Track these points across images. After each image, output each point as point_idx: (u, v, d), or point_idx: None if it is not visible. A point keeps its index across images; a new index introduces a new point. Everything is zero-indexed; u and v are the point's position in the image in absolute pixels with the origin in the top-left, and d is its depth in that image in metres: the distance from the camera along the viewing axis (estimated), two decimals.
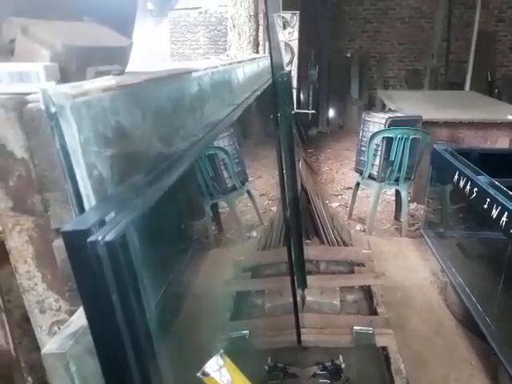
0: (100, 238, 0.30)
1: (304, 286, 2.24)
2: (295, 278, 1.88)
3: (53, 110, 0.33)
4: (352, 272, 2.45)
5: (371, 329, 2.00)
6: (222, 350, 0.32)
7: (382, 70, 7.00)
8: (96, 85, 0.40)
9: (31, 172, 0.42)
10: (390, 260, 2.88)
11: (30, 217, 0.44)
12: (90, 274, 0.31)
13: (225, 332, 2.02)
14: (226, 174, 3.10)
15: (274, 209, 3.67)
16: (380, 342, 1.95)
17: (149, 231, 0.44)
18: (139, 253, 0.38)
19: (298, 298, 2.03)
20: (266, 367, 1.92)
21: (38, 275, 0.47)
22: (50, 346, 0.40)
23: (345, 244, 2.76)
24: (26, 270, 0.47)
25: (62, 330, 0.41)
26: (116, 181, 0.42)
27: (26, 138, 0.41)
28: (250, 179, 3.52)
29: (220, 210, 3.42)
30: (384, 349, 1.95)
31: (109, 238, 0.30)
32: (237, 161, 3.21)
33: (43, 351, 0.39)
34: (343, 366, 1.93)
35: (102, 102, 0.41)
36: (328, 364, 1.96)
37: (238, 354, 1.95)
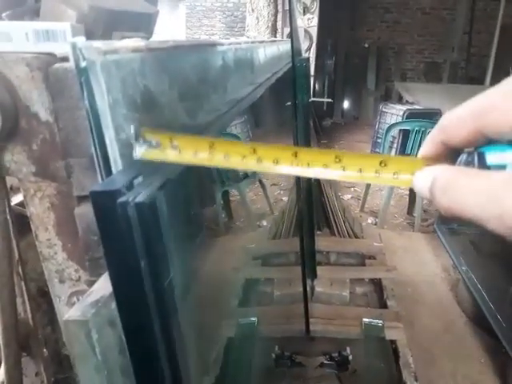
0: (130, 199, 0.28)
1: (314, 276, 2.23)
2: (305, 267, 1.86)
3: (83, 64, 0.31)
4: (363, 264, 2.43)
5: (381, 321, 1.98)
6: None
7: (400, 61, 6.88)
8: (126, 44, 0.38)
9: (55, 136, 0.41)
10: (401, 254, 2.85)
11: (53, 183, 0.43)
12: (118, 237, 0.29)
13: (233, 317, 2.02)
14: None
15: (285, 199, 3.65)
16: (389, 335, 1.94)
17: (174, 202, 0.42)
18: (166, 221, 0.37)
19: (308, 288, 2.02)
20: (273, 355, 1.92)
21: (58, 243, 0.45)
22: (71, 313, 0.38)
23: (356, 236, 2.73)
24: (47, 238, 0.46)
25: (83, 298, 0.40)
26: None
27: (52, 100, 0.40)
28: None
29: (231, 198, 3.41)
30: (393, 342, 1.94)
31: (139, 199, 0.28)
32: None
33: (65, 318, 0.38)
34: (350, 357, 1.92)
35: (131, 62, 0.40)
36: (335, 355, 1.95)
37: (245, 341, 1.94)
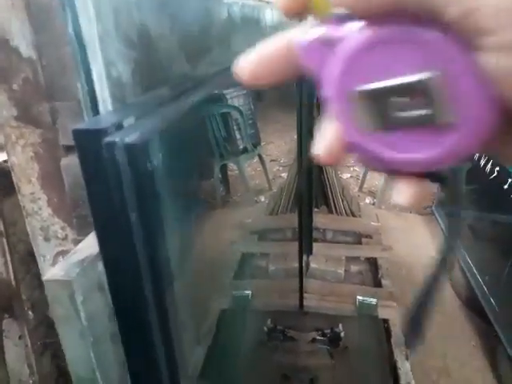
0: (118, 140, 0.24)
1: (309, 252, 2.21)
2: (303, 243, 1.84)
3: None
4: (359, 243, 2.41)
5: (375, 300, 1.97)
6: None
7: None
8: None
9: (39, 75, 0.36)
10: (397, 235, 2.83)
11: (36, 129, 0.39)
12: (105, 184, 0.25)
13: (227, 290, 2.02)
14: (238, 135, 3.01)
15: (284, 175, 3.61)
16: (383, 313, 1.93)
17: (171, 154, 0.38)
18: (161, 170, 0.32)
19: (303, 264, 2.00)
20: (266, 328, 1.93)
21: (43, 197, 0.41)
22: (54, 271, 0.35)
23: (353, 215, 2.71)
24: (30, 192, 0.42)
25: (68, 256, 0.36)
26: (138, 90, 0.36)
27: (34, 33, 0.35)
28: (262, 143, 3.44)
29: (229, 172, 3.37)
30: (385, 321, 1.94)
31: (130, 139, 0.24)
32: (250, 122, 3.12)
33: (46, 277, 0.34)
34: (343, 334, 1.93)
35: None
36: (327, 331, 1.95)
37: (239, 313, 1.94)
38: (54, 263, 0.44)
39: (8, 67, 0.36)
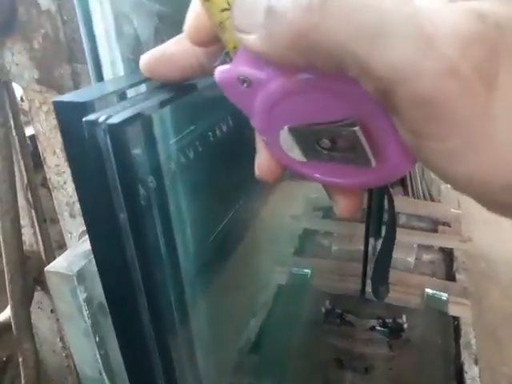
0: (102, 119, 0.18)
1: (378, 236, 2.08)
2: (370, 224, 1.73)
3: None
4: (435, 231, 2.23)
5: (446, 295, 1.82)
6: None
7: None
8: None
9: (59, 31, 0.31)
10: (479, 225, 2.58)
11: (60, 94, 0.34)
12: (87, 173, 0.20)
13: (286, 265, 2.00)
14: None
15: None
16: (453, 310, 1.78)
17: (199, 134, 0.31)
18: (186, 162, 0.26)
19: (369, 248, 1.90)
20: (323, 310, 1.88)
21: (67, 171, 0.38)
22: (57, 262, 0.30)
23: (432, 199, 2.51)
24: (55, 164, 0.38)
25: (76, 245, 0.31)
26: None
27: None
28: None
29: None
30: (455, 319, 1.79)
31: (117, 118, 0.18)
32: None
33: (47, 268, 0.30)
34: (405, 326, 1.82)
35: None
36: (389, 320, 1.86)
37: (297, 291, 1.91)
38: (79, 240, 0.41)
39: (27, 22, 0.32)
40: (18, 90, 0.44)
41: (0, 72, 0.35)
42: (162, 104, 0.21)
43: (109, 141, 0.18)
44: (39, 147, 0.38)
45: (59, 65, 0.33)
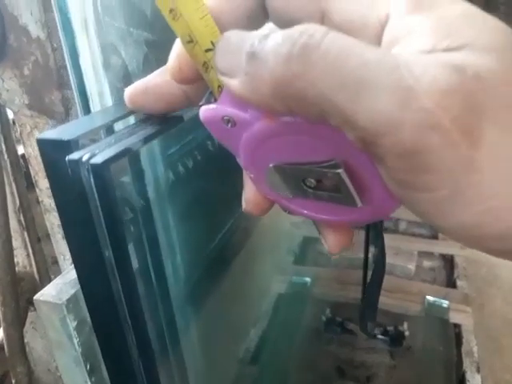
0: (86, 158, 0.18)
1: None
2: (369, 233, 1.73)
3: None
4: (435, 238, 2.22)
5: (446, 302, 1.81)
6: None
7: None
8: None
9: (49, 58, 0.32)
10: None
11: (50, 120, 0.35)
12: (72, 211, 0.20)
13: (286, 274, 1.99)
14: None
15: None
16: (454, 318, 1.77)
17: (197, 162, 0.31)
18: (174, 187, 0.26)
19: (369, 255, 1.89)
20: (324, 318, 1.87)
21: None
22: (46, 290, 0.30)
23: None
24: (47, 187, 0.38)
25: (66, 272, 0.31)
26: None
27: (43, 9, 0.30)
28: None
29: None
30: (457, 326, 1.78)
31: (100, 157, 0.18)
32: None
33: (36, 296, 0.30)
34: (407, 333, 1.81)
35: None
36: (390, 328, 1.85)
37: (297, 299, 1.90)
38: (72, 265, 0.41)
39: (18, 49, 0.32)
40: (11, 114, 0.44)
41: None
42: (148, 139, 0.21)
43: (92, 180, 0.18)
44: (31, 170, 0.38)
45: (49, 91, 0.33)
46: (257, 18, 0.21)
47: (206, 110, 0.20)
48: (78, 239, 0.21)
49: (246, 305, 1.36)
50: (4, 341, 0.46)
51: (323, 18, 0.19)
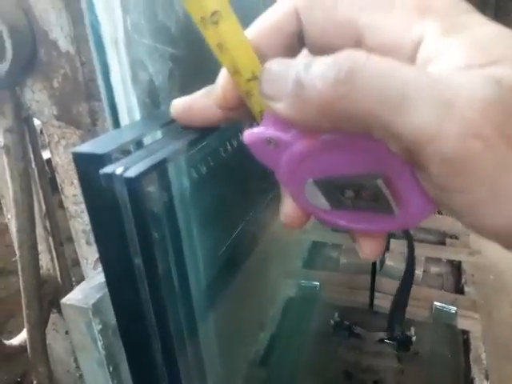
0: (119, 171, 0.19)
1: (386, 249, 2.08)
2: None
3: None
4: (442, 243, 2.21)
5: (454, 308, 1.81)
6: None
7: None
8: None
9: (78, 72, 0.33)
10: None
11: (77, 130, 0.36)
12: (105, 221, 0.21)
13: (295, 278, 1.99)
14: None
15: None
16: (462, 324, 1.76)
17: (212, 168, 0.32)
18: (192, 195, 0.27)
19: (377, 261, 1.89)
20: (332, 322, 1.87)
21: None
22: (72, 295, 0.32)
23: (439, 212, 2.49)
24: (73, 194, 0.40)
25: (91, 277, 0.33)
26: (176, 95, 0.31)
27: (72, 24, 0.31)
28: None
29: None
30: (465, 332, 1.77)
31: (133, 171, 0.19)
32: None
33: (63, 300, 0.31)
34: (414, 338, 1.80)
35: None
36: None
37: (306, 303, 1.91)
38: (95, 267, 0.42)
39: (48, 63, 0.34)
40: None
41: (21, 108, 0.37)
42: (179, 152, 0.22)
43: (126, 193, 0.20)
44: (57, 178, 0.39)
45: (77, 102, 0.35)
46: (293, 46, 0.22)
47: (250, 134, 0.22)
48: (110, 247, 0.22)
49: (256, 308, 1.37)
50: (27, 342, 0.48)
51: (358, 43, 0.21)
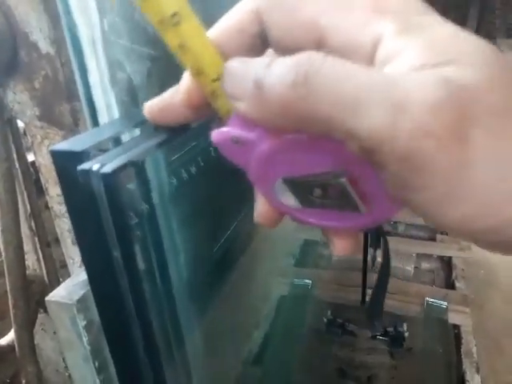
0: (96, 167, 0.20)
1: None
2: (368, 235, 1.75)
3: None
4: (433, 239, 2.24)
5: (445, 303, 1.83)
6: None
7: (508, 12, 5.97)
8: None
9: (58, 72, 0.34)
10: None
11: (60, 131, 0.37)
12: (83, 216, 0.21)
13: (288, 276, 2.01)
14: None
15: None
16: (453, 319, 1.79)
17: (202, 168, 0.33)
18: (177, 193, 0.28)
19: (368, 258, 1.91)
20: (325, 319, 1.88)
21: None
22: (56, 292, 0.32)
23: None
24: (57, 193, 0.40)
25: (76, 274, 0.33)
26: (155, 94, 0.31)
27: (52, 27, 0.32)
28: None
29: None
30: (456, 327, 1.79)
31: (109, 167, 0.20)
32: None
33: (47, 297, 0.32)
34: (407, 334, 1.82)
35: None
36: (390, 329, 1.86)
37: (298, 301, 1.92)
38: (82, 266, 0.43)
39: (29, 64, 0.34)
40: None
41: (3, 110, 0.37)
42: (154, 149, 0.23)
43: (102, 188, 0.20)
44: (41, 178, 0.40)
45: (59, 103, 0.35)
46: (256, 47, 0.23)
47: (216, 134, 0.22)
48: (89, 241, 0.23)
49: (249, 307, 1.37)
50: (15, 342, 0.48)
51: (320, 43, 0.21)
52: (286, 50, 0.22)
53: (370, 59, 0.21)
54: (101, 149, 0.22)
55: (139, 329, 0.26)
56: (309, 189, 0.22)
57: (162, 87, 0.32)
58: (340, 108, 0.17)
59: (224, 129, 0.22)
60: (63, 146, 0.21)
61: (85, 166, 0.20)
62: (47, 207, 0.43)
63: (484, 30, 5.92)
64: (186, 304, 0.40)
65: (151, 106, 0.25)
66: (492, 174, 0.17)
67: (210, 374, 0.70)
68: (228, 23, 0.23)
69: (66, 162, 0.21)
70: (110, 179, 0.20)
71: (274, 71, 0.18)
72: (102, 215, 0.21)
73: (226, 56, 0.22)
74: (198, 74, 0.22)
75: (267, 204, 0.25)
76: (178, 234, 0.36)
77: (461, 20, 5.89)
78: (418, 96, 0.17)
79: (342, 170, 0.21)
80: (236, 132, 0.21)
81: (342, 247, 0.26)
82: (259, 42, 0.23)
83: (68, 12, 0.24)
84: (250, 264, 1.17)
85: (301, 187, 0.22)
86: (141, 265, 0.24)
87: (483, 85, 0.17)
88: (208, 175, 0.47)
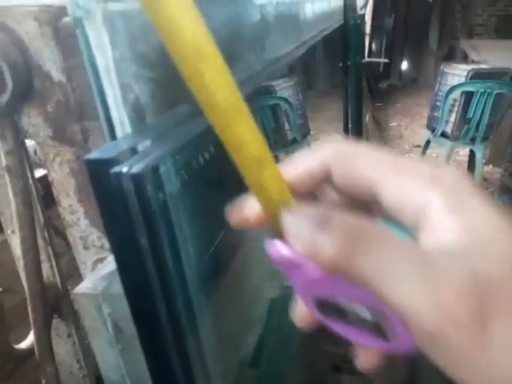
0: (125, 170, 0.25)
1: None
2: None
3: (78, 14, 0.28)
4: None
5: None
6: None
7: (468, 16, 6.26)
8: None
9: (70, 97, 0.39)
10: None
11: (71, 148, 0.41)
12: (115, 211, 0.26)
13: (278, 279, 2.03)
14: (287, 126, 2.98)
15: None
16: None
17: (198, 171, 0.38)
18: (182, 193, 0.33)
19: None
20: None
21: (80, 210, 0.44)
22: (82, 285, 0.37)
23: None
24: (69, 204, 0.45)
25: (98, 268, 0.38)
26: (158, 110, 0.37)
27: (63, 58, 0.37)
28: (311, 132, 3.40)
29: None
30: None
31: (136, 169, 0.25)
32: (299, 112, 3.08)
33: (75, 290, 0.36)
34: None
35: (143, 14, 0.35)
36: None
37: (289, 303, 1.96)
38: (93, 269, 0.47)
39: (42, 91, 0.39)
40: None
41: (19, 133, 0.41)
42: (165, 154, 0.28)
43: (132, 187, 0.25)
44: (54, 191, 0.44)
45: (70, 123, 0.40)
46: (320, 180, 0.25)
47: (274, 249, 0.24)
48: (119, 233, 0.27)
49: (242, 311, 1.41)
50: (35, 344, 0.51)
51: (375, 197, 0.24)
52: (346, 194, 0.26)
53: (415, 220, 0.23)
54: (123, 156, 0.27)
55: (165, 310, 0.30)
56: (344, 312, 0.25)
57: (165, 105, 0.38)
58: (379, 277, 0.20)
59: (280, 246, 0.24)
60: (95, 155, 0.26)
61: (116, 169, 0.25)
62: (60, 219, 0.47)
63: (448, 32, 6.17)
64: (195, 298, 0.44)
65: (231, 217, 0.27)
66: (508, 354, 0.19)
67: (209, 374, 0.74)
68: (300, 170, 0.26)
69: (98, 168, 0.25)
70: (138, 179, 0.25)
71: (327, 236, 0.21)
72: (132, 209, 0.26)
73: (291, 186, 0.24)
74: (268, 204, 0.24)
75: (306, 310, 0.27)
76: (187, 230, 0.41)
77: (424, 23, 6.13)
78: (447, 282, 0.19)
79: (377, 308, 0.23)
80: (292, 256, 0.23)
81: (364, 361, 0.27)
82: (322, 183, 0.26)
83: (88, 47, 0.30)
84: (240, 269, 1.22)
85: (337, 308, 0.25)
86: (165, 251, 0.29)
87: (507, 274, 0.20)
88: (202, 179, 0.51)
